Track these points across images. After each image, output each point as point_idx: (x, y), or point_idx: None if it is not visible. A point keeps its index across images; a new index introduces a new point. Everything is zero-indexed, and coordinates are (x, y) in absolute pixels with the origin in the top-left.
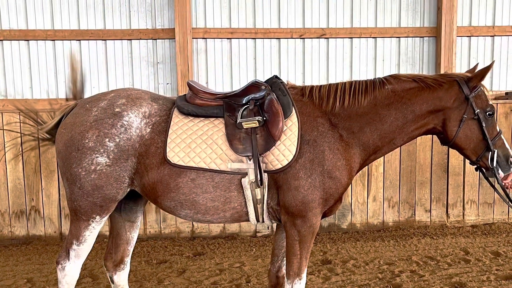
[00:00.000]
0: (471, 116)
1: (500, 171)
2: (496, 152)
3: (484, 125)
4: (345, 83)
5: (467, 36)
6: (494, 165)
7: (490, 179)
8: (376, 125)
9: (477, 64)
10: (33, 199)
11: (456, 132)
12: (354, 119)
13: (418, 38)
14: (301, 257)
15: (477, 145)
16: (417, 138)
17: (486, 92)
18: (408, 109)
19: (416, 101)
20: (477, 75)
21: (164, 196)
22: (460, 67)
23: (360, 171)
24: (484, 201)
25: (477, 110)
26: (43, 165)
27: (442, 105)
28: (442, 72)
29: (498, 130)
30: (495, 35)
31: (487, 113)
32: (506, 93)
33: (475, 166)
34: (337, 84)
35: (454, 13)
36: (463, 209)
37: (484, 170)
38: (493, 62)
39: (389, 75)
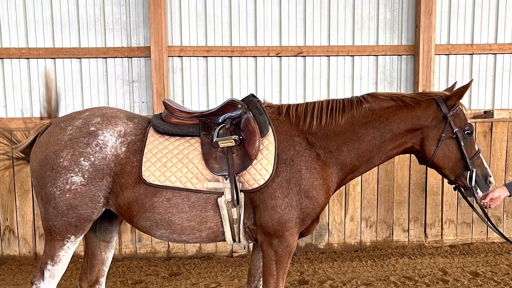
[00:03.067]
0: (450, 135)
1: (478, 190)
2: (474, 172)
3: (462, 144)
4: (322, 101)
5: (446, 54)
6: (473, 184)
7: (468, 198)
8: (353, 144)
9: (456, 82)
10: (7, 219)
11: (435, 151)
12: (331, 138)
13: (396, 56)
14: (278, 277)
15: (456, 164)
16: (395, 157)
17: (464, 111)
18: (385, 128)
19: (394, 120)
20: (456, 94)
21: (140, 215)
22: (438, 85)
23: (338, 191)
24: (462, 220)
25: (456, 129)
26: (18, 184)
27: (420, 124)
28: (420, 90)
29: (476, 149)
30: (473, 53)
31: (466, 132)
32: (485, 112)
33: (454, 186)
34: (314, 102)
35: (432, 31)
36: (442, 228)
37: (463, 190)
38: (471, 80)
39: (367, 94)
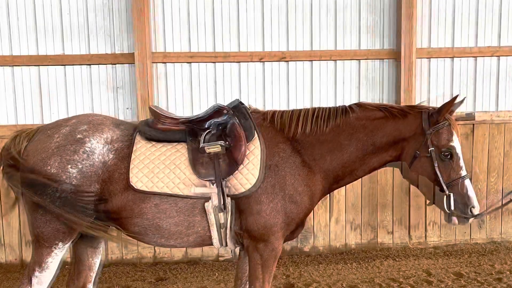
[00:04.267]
0: (425, 154)
1: (454, 219)
2: (451, 196)
3: (436, 165)
4: (308, 109)
5: (427, 58)
6: (451, 209)
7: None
8: (336, 154)
9: (457, 95)
10: None
11: (409, 167)
12: (316, 146)
13: (378, 60)
14: (264, 280)
15: (430, 184)
16: None
17: (452, 131)
18: (369, 140)
19: (378, 133)
20: (438, 110)
21: (129, 221)
22: (420, 89)
23: None
24: (445, 222)
25: (431, 148)
26: (3, 191)
27: (402, 136)
28: (402, 94)
29: (462, 174)
30: (454, 57)
31: (443, 153)
32: (466, 114)
33: (428, 202)
34: (300, 110)
35: (413, 35)
36: (425, 230)
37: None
38: (456, 96)
39: (355, 103)
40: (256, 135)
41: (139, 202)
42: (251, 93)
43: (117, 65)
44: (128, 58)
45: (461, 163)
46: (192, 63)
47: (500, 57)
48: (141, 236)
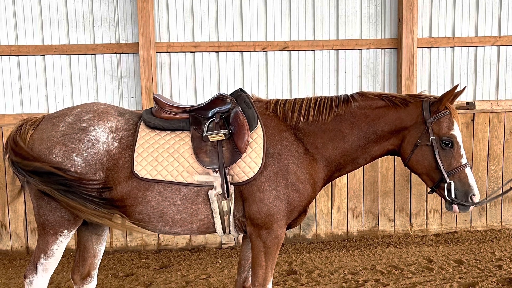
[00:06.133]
0: (425, 142)
1: (455, 206)
2: (452, 184)
3: (437, 153)
4: (311, 98)
5: (428, 47)
6: (452, 197)
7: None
8: (338, 143)
9: (458, 84)
10: None
11: (409, 156)
12: (318, 135)
13: (380, 49)
14: (267, 267)
15: (431, 173)
16: None
17: (453, 120)
18: (370, 129)
19: (379, 122)
20: (439, 99)
21: (133, 209)
22: (421, 78)
23: None
24: (446, 210)
25: (432, 137)
26: (9, 179)
27: (403, 125)
28: (403, 83)
29: (462, 162)
30: (455, 46)
31: (443, 142)
32: (467, 103)
33: (430, 190)
34: (302, 99)
35: (414, 25)
36: (426, 218)
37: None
38: (457, 85)
39: (356, 92)
40: (259, 124)
41: (143, 190)
42: (254, 82)
43: (121, 54)
44: (132, 48)
45: (462, 151)
46: (195, 53)
47: (500, 46)
48: (145, 223)
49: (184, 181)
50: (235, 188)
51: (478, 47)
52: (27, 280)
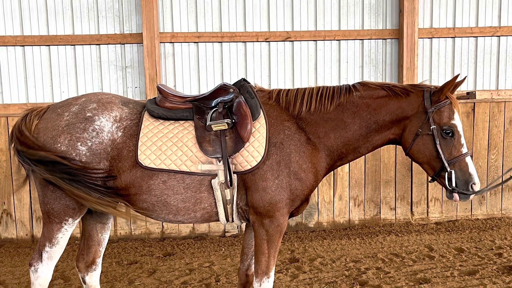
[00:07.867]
0: (426, 132)
1: (456, 195)
2: (453, 173)
3: (438, 142)
4: (313, 88)
5: (429, 38)
6: (453, 186)
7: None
8: (340, 132)
9: (458, 74)
10: (4, 203)
11: (410, 145)
12: (320, 124)
13: (381, 40)
14: (269, 255)
15: (432, 162)
16: None
17: (454, 109)
18: (372, 119)
19: (381, 111)
20: (440, 89)
21: (137, 198)
22: (422, 68)
23: None
24: (447, 198)
25: (433, 126)
26: (14, 168)
27: (404, 115)
28: (404, 73)
29: (463, 151)
30: (455, 36)
31: (444, 131)
32: (467, 93)
33: (431, 178)
34: (304, 88)
35: (415, 15)
36: (427, 206)
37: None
38: (457, 75)
39: (358, 82)
40: (261, 113)
41: (147, 179)
42: (256, 72)
43: (125, 45)
44: (136, 38)
45: (462, 140)
46: (199, 43)
47: (501, 36)
48: (149, 212)
49: (188, 170)
50: (238, 177)
51: (478, 38)
52: (32, 267)
